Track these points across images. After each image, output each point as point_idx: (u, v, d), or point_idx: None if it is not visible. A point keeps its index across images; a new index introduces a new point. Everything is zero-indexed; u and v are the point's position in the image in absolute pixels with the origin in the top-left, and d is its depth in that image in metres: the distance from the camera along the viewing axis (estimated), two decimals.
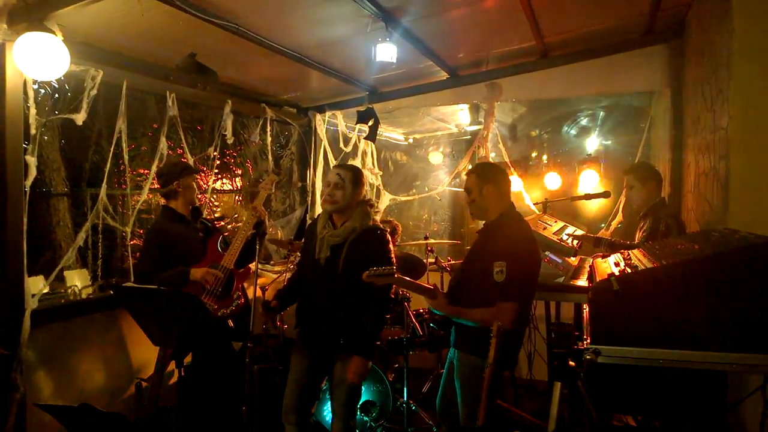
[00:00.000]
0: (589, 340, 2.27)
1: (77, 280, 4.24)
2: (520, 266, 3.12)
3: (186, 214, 4.06)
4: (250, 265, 4.13)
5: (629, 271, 2.30)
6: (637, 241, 4.10)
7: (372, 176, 6.85)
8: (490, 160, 6.11)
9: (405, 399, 4.69)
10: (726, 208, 3.21)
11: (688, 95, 4.84)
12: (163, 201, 4.15)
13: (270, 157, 6.08)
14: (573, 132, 7.83)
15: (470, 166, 3.93)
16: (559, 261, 4.29)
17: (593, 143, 7.45)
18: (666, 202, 4.32)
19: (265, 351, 5.06)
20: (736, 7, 3.07)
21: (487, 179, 3.36)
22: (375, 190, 6.96)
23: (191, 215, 4.11)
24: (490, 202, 3.36)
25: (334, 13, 4.06)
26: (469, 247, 3.70)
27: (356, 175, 3.51)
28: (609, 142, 7.40)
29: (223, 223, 6.01)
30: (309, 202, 6.66)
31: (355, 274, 3.33)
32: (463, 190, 3.56)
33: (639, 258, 2.53)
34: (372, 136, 5.95)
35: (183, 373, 3.94)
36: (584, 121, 7.66)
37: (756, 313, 1.99)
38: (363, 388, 4.56)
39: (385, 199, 6.99)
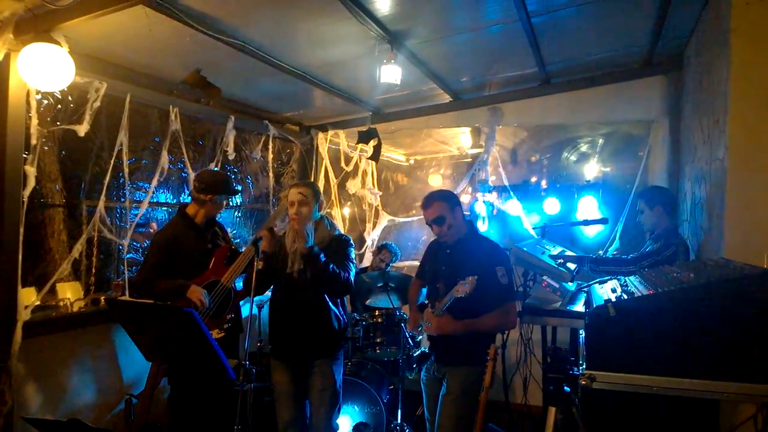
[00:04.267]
0: (584, 366, 2.26)
1: (69, 293, 4.22)
2: (509, 268, 3.52)
3: (200, 225, 4.02)
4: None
5: (626, 297, 2.30)
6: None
7: (371, 196, 6.85)
8: (490, 183, 6.14)
9: (399, 421, 4.65)
10: (721, 238, 3.22)
11: (685, 125, 4.87)
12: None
13: (271, 174, 6.08)
14: (573, 158, 7.83)
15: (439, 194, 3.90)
16: (557, 286, 4.29)
17: (592, 169, 7.45)
18: (677, 230, 4.26)
19: (260, 369, 5.02)
20: (734, 40, 3.10)
21: (455, 202, 3.62)
22: (374, 210, 6.96)
23: (205, 225, 4.07)
24: (461, 221, 3.62)
25: (341, 33, 4.09)
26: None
27: (316, 191, 3.72)
28: (608, 169, 7.40)
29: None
30: None
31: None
32: None
33: (635, 285, 2.54)
34: (375, 156, 5.99)
35: (175, 390, 3.90)
36: (584, 148, 7.66)
37: (749, 343, 1.99)
38: (357, 409, 4.56)
39: (384, 219, 6.99)
